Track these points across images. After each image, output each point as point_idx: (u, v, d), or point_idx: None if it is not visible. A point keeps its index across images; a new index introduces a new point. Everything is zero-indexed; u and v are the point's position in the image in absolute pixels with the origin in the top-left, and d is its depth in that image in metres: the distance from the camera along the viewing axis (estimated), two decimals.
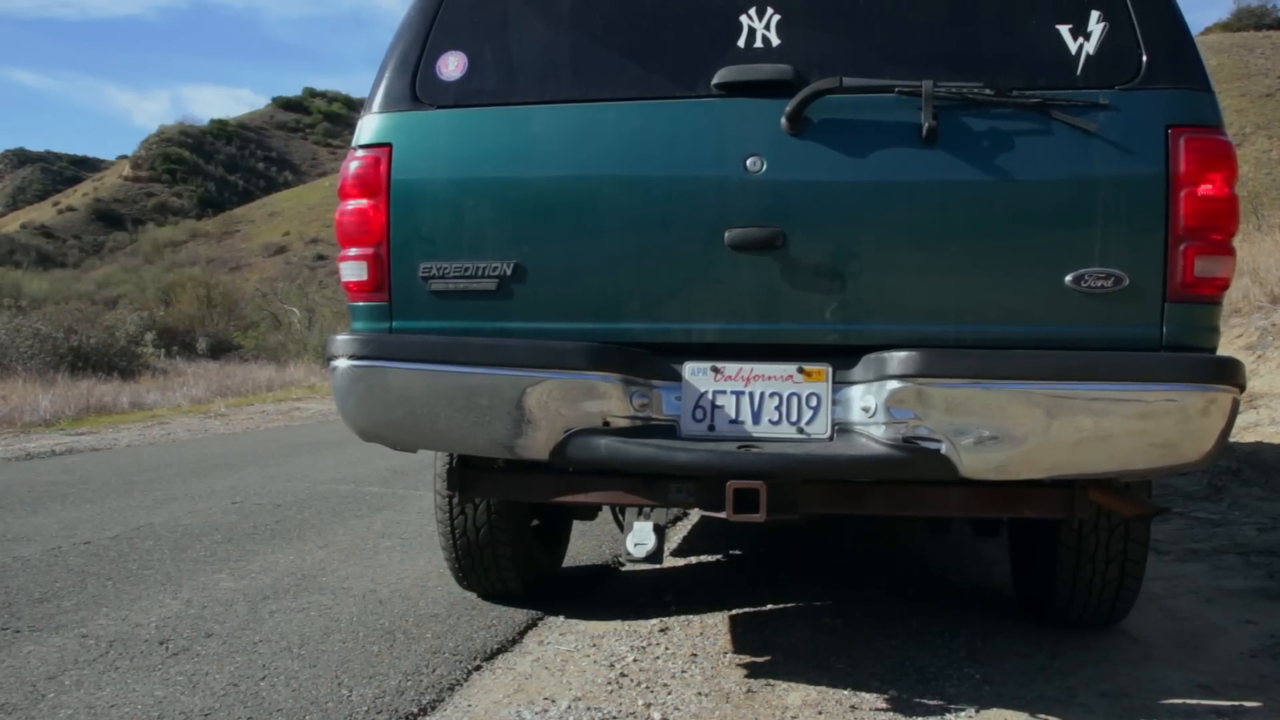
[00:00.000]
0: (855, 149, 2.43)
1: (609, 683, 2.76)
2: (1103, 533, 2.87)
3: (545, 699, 2.65)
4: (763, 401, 2.44)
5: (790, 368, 2.44)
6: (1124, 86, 2.39)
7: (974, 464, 2.30)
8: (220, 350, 26.63)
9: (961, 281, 2.42)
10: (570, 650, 3.03)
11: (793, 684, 2.74)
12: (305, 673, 2.80)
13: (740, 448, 2.38)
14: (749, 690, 2.71)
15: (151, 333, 25.10)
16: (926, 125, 2.35)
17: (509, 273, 2.54)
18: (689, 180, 2.50)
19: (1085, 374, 2.28)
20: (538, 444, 2.46)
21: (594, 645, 3.08)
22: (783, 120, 2.43)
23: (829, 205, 2.45)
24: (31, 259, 72.30)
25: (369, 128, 2.65)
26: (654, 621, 3.30)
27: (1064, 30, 2.43)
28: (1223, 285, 2.39)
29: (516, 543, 3.25)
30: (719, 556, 4.20)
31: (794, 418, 2.43)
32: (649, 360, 2.47)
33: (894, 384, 2.31)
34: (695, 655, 2.98)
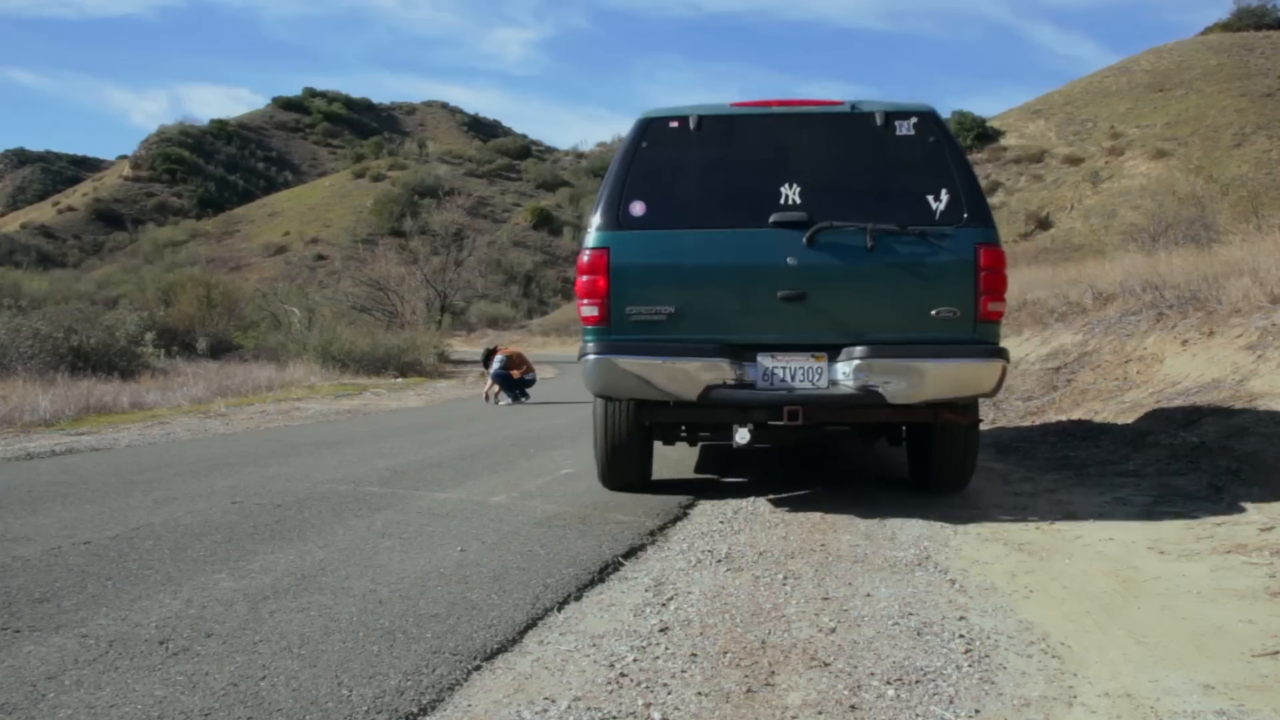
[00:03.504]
0: (838, 254, 5.04)
1: (609, 683, 2.76)
2: (956, 435, 5.43)
3: (545, 699, 2.65)
4: (795, 372, 5.05)
5: (808, 355, 5.07)
6: (957, 225, 5.03)
7: (892, 396, 4.91)
8: (220, 350, 26.55)
9: (886, 314, 5.06)
10: (570, 650, 3.04)
11: (793, 684, 2.74)
12: (305, 673, 2.80)
13: (787, 393, 5.01)
14: (749, 690, 2.71)
15: (151, 333, 25.01)
16: (870, 243, 5.01)
17: (672, 311, 5.08)
18: (760, 268, 5.07)
19: (940, 354, 4.93)
20: (692, 392, 5.00)
21: (594, 645, 3.08)
22: (804, 239, 5.02)
23: (827, 280, 5.06)
24: (31, 259, 72.36)
25: (596, 238, 5.14)
26: (654, 621, 3.30)
27: (930, 199, 5.07)
28: (1001, 315, 5.08)
29: (641, 452, 5.78)
30: (718, 556, 4.21)
31: (811, 379, 5.05)
32: (742, 352, 5.04)
33: (857, 361, 4.96)
34: (695, 655, 2.98)
